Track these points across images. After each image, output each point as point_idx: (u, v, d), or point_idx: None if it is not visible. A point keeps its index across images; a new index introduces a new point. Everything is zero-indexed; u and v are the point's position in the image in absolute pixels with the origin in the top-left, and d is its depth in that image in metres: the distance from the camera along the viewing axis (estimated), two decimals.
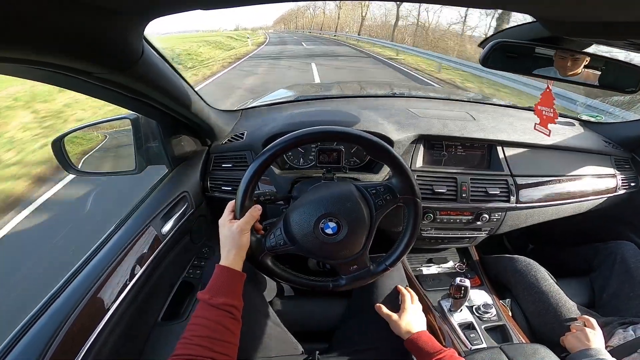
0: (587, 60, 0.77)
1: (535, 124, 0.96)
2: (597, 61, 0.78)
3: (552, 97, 0.87)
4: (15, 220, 2.69)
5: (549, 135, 0.94)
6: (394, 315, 0.86)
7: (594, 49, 0.77)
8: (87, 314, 0.70)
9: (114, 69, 0.55)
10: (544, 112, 0.91)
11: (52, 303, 0.68)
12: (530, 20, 0.66)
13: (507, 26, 0.78)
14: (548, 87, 0.85)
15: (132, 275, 0.83)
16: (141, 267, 0.86)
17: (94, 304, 0.72)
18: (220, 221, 0.74)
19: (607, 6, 0.39)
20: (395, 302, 0.92)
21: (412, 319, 0.85)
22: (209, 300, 0.64)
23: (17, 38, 0.35)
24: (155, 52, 0.66)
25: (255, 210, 0.74)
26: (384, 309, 0.88)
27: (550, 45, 0.72)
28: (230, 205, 0.76)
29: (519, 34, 0.74)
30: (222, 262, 0.70)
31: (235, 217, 0.74)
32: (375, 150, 0.77)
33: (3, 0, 0.29)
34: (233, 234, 0.70)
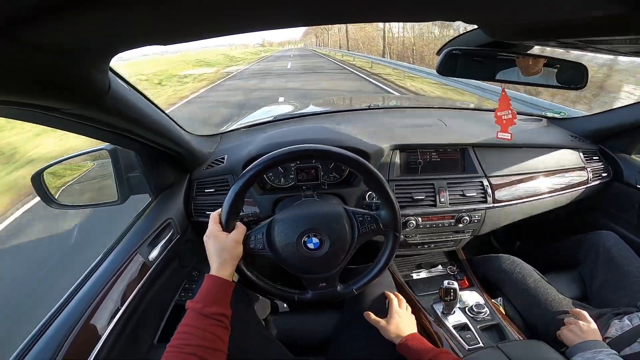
0: (545, 60, 0.81)
1: (497, 132, 1.00)
2: (551, 61, 0.83)
3: (508, 99, 0.91)
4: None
5: (510, 140, 0.98)
6: (382, 321, 0.87)
7: (543, 50, 0.82)
8: (80, 341, 0.70)
9: (80, 104, 0.56)
10: (503, 116, 0.95)
11: (44, 332, 0.68)
12: (474, 27, 0.71)
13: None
14: (503, 90, 0.89)
15: (123, 301, 0.83)
16: (131, 293, 0.86)
17: (87, 330, 0.72)
18: (210, 233, 0.75)
19: (527, 11, 0.43)
20: (384, 308, 0.93)
21: (400, 322, 0.86)
22: (201, 310, 0.64)
23: None
24: (124, 84, 0.68)
25: (242, 225, 0.77)
26: (372, 316, 0.89)
27: (496, 50, 0.77)
28: (214, 217, 0.78)
29: (470, 40, 0.79)
30: (215, 273, 0.70)
31: (223, 229, 0.75)
32: (370, 179, 0.81)
33: None
34: (229, 246, 0.73)
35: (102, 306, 0.78)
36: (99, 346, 0.73)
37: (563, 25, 0.47)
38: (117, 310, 0.81)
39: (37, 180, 0.95)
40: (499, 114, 0.96)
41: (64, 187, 1.05)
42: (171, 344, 0.61)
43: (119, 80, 0.65)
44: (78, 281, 0.81)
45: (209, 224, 0.77)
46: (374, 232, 0.83)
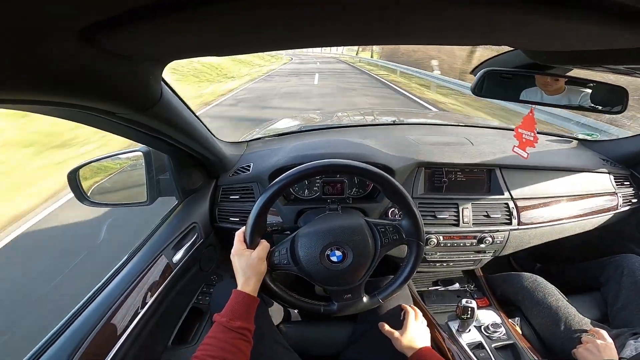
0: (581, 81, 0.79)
1: (514, 146, 0.98)
2: (586, 81, 0.81)
3: (534, 122, 0.89)
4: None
5: (526, 158, 0.97)
6: (396, 333, 0.87)
7: (581, 72, 0.81)
8: (100, 339, 0.72)
9: (136, 110, 0.59)
10: (524, 135, 0.93)
11: (66, 329, 0.70)
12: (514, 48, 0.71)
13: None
14: (531, 111, 0.88)
15: (144, 302, 0.85)
16: (153, 295, 0.88)
17: (107, 329, 0.74)
18: (235, 251, 0.78)
19: (575, 38, 0.43)
20: (399, 320, 0.92)
21: (414, 335, 0.86)
22: (226, 323, 0.67)
23: (43, 83, 0.39)
24: (172, 93, 0.71)
25: (266, 242, 0.80)
26: (387, 327, 0.89)
27: (535, 72, 0.76)
28: (239, 235, 0.80)
29: (506, 61, 0.78)
30: (242, 288, 0.74)
31: (247, 246, 0.78)
32: (389, 190, 0.83)
33: (29, 50, 0.33)
34: (253, 263, 0.76)
35: (124, 306, 0.80)
36: (118, 345, 0.75)
37: (611, 53, 0.47)
38: (138, 311, 0.83)
39: (73, 178, 0.98)
40: (520, 130, 0.95)
41: (96, 186, 1.08)
42: (196, 354, 0.63)
43: (169, 90, 0.68)
44: (104, 279, 0.84)
45: (234, 242, 0.80)
46: (397, 242, 0.84)
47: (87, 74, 0.42)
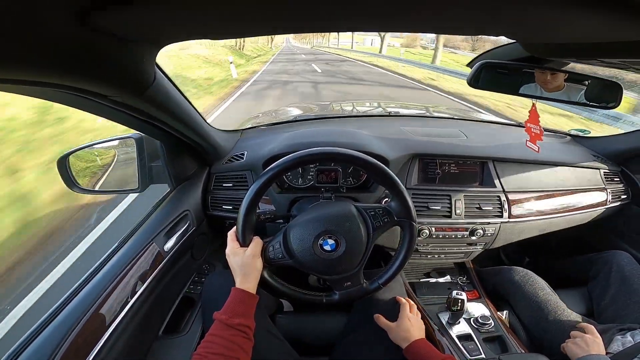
0: (566, 75, 0.80)
1: (526, 140, 0.99)
2: (581, 77, 0.82)
3: (538, 115, 0.90)
4: None
5: (537, 152, 0.97)
6: (392, 325, 0.87)
7: (577, 67, 0.81)
8: (89, 328, 0.71)
9: (128, 93, 0.58)
10: (532, 129, 0.94)
11: (55, 317, 0.69)
12: (512, 41, 0.71)
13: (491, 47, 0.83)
14: (533, 105, 0.88)
15: (135, 290, 0.84)
16: (143, 283, 0.87)
17: (96, 318, 0.73)
18: (229, 251, 0.79)
19: (573, 30, 0.43)
20: (394, 312, 0.93)
21: (409, 327, 0.86)
22: (226, 321, 0.68)
23: (35, 62, 0.38)
24: (165, 77, 0.70)
25: (259, 239, 0.80)
26: (382, 319, 0.90)
27: (532, 64, 0.76)
28: (231, 234, 0.81)
29: (503, 54, 0.78)
30: (240, 286, 0.74)
31: (240, 245, 0.78)
32: (375, 173, 0.82)
33: (23, 27, 0.32)
34: (247, 260, 0.76)
35: (114, 294, 0.79)
36: (107, 335, 0.74)
37: (607, 45, 0.47)
38: (128, 300, 0.82)
39: (63, 164, 0.96)
40: (529, 125, 0.95)
41: (86, 172, 1.06)
42: (197, 351, 0.64)
43: (162, 74, 0.66)
44: (93, 267, 0.82)
45: (228, 242, 0.80)
46: (389, 224, 0.84)
47: (81, 55, 0.41)
